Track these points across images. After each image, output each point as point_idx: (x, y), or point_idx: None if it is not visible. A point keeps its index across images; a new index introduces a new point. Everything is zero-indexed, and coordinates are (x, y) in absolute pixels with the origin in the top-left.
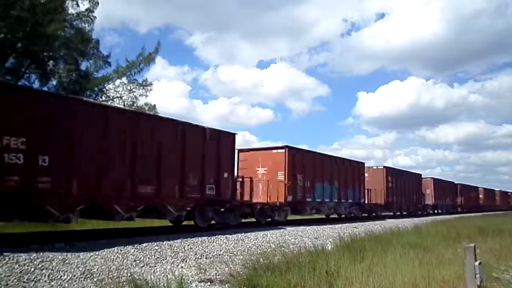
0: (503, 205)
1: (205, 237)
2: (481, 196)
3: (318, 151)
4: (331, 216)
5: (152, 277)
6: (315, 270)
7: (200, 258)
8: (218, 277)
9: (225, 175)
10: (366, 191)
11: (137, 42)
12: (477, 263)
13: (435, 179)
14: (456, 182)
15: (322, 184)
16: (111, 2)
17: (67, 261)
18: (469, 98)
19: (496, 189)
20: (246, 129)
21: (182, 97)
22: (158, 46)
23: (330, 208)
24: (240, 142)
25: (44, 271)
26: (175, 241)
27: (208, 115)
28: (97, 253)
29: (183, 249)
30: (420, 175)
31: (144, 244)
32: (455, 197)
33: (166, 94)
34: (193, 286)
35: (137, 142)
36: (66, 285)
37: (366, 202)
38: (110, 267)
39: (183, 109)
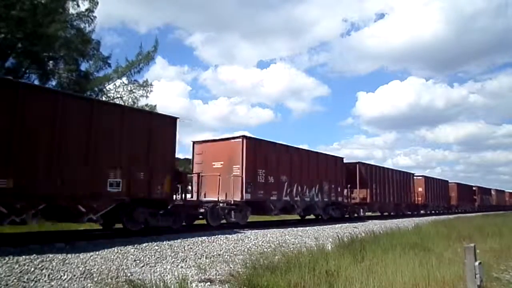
0: (464, 204)
1: (205, 237)
2: (420, 189)
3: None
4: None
5: (152, 277)
6: (315, 270)
7: (200, 258)
8: (218, 277)
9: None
10: None
11: (137, 42)
12: (477, 263)
13: (249, 140)
14: (355, 161)
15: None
16: (111, 2)
17: (67, 261)
18: (469, 98)
19: (450, 182)
20: (246, 129)
21: (182, 97)
22: (157, 44)
23: None
24: None
25: (44, 271)
26: (175, 241)
27: (208, 115)
28: (97, 253)
29: (183, 249)
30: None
31: (144, 244)
32: (353, 189)
33: (166, 94)
34: (193, 286)
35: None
36: (66, 285)
37: None
38: (110, 267)
39: (183, 109)
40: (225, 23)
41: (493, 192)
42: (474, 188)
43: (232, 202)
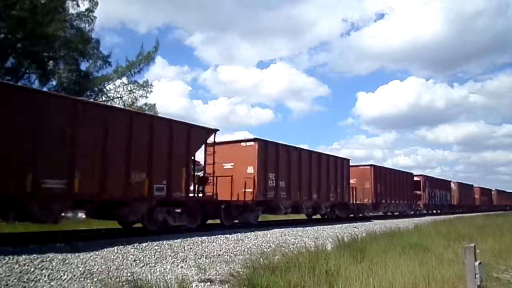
0: (392, 205)
1: (205, 237)
2: (249, 170)
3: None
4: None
5: (152, 277)
6: (315, 270)
7: (200, 258)
8: (218, 277)
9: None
10: None
11: (136, 42)
12: (477, 263)
13: None
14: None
15: None
16: (110, 2)
17: (67, 261)
18: (469, 98)
19: (364, 164)
20: (246, 129)
21: (182, 97)
22: (157, 45)
23: None
24: None
25: (44, 271)
26: (175, 241)
27: (208, 115)
28: (97, 253)
29: (183, 249)
30: None
31: (144, 244)
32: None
33: (166, 94)
34: (193, 286)
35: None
36: (66, 285)
37: None
38: (110, 267)
39: (183, 109)
40: (225, 23)
41: (453, 187)
42: (417, 179)
43: None
